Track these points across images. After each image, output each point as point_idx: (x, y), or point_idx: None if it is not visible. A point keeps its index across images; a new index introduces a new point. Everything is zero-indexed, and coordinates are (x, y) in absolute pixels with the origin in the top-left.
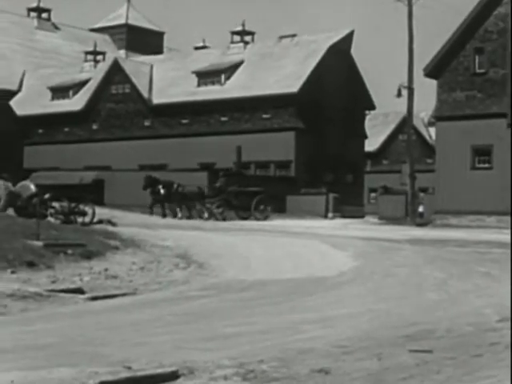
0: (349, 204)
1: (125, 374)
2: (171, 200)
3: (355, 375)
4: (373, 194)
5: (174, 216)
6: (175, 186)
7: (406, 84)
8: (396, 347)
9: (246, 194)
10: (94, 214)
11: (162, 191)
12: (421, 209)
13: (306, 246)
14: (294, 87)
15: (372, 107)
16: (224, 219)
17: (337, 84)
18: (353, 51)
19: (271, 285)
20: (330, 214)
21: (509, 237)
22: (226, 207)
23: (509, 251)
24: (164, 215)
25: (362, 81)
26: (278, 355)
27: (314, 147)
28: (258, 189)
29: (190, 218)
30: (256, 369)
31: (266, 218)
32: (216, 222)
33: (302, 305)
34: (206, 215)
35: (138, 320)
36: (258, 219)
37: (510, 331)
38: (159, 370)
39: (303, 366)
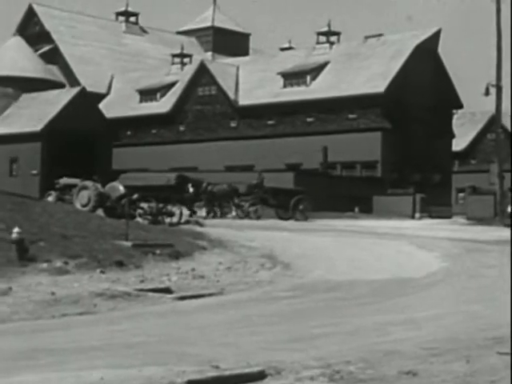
0: (436, 204)
1: (212, 374)
2: (200, 199)
3: (443, 377)
4: (461, 194)
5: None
6: (204, 184)
7: (494, 82)
8: (484, 349)
9: (285, 192)
10: (181, 214)
11: (190, 190)
12: (509, 209)
13: (392, 247)
14: (381, 87)
15: (459, 106)
16: (259, 218)
17: (424, 83)
18: (440, 50)
19: (357, 286)
20: (417, 215)
21: None
22: (261, 206)
23: None
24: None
25: (449, 79)
26: (365, 356)
27: (400, 147)
28: (298, 188)
29: (214, 216)
30: (342, 370)
31: (306, 219)
32: (251, 220)
33: (388, 306)
34: (233, 214)
35: (225, 320)
36: (297, 220)
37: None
38: (246, 370)
39: (390, 367)
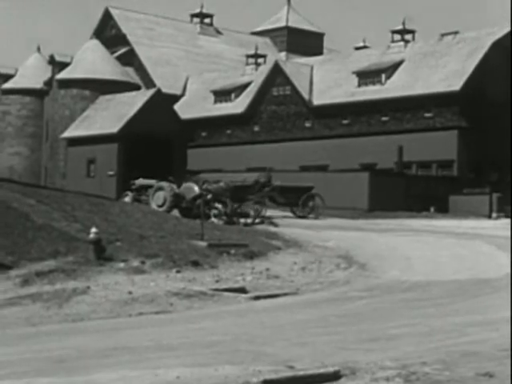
0: None
1: (287, 373)
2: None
3: None
4: None
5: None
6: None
7: None
8: None
9: (294, 190)
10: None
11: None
12: None
13: (469, 247)
14: (457, 85)
15: None
16: (262, 217)
17: (501, 81)
18: None
19: (434, 286)
20: (494, 214)
21: None
22: (265, 204)
23: None
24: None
25: None
26: (442, 357)
27: (477, 146)
28: (307, 185)
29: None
30: (418, 371)
31: (317, 217)
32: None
33: (465, 307)
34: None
35: (300, 320)
36: (309, 218)
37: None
38: (321, 370)
39: (467, 368)
